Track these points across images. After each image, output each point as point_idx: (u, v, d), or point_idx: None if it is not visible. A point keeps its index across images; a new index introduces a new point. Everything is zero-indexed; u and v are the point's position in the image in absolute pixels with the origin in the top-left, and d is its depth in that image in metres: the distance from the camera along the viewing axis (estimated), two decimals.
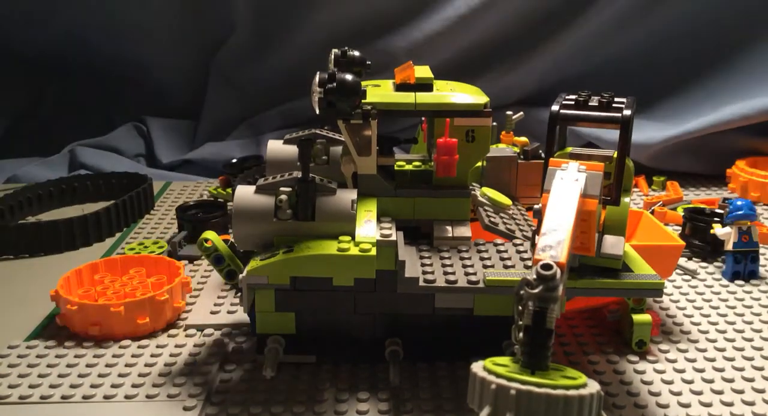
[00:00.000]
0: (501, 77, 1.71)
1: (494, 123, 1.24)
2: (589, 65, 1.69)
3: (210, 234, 0.88)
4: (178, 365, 0.88)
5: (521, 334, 0.61)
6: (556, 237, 0.65)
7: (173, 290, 0.97)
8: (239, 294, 0.83)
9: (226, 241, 0.88)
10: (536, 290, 0.59)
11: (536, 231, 0.73)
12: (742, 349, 0.91)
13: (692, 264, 1.15)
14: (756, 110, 1.46)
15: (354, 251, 0.79)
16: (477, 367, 0.60)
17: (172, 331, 0.96)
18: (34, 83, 1.91)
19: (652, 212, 1.35)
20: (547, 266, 0.60)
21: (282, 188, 0.82)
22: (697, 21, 1.63)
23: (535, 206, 0.73)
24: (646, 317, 0.89)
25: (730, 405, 0.80)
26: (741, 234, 1.11)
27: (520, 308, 0.61)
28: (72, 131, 1.81)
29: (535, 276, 0.60)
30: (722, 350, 0.91)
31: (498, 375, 0.58)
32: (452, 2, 1.65)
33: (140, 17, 1.75)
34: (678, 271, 1.13)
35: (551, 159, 0.75)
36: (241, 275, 0.81)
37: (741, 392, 0.82)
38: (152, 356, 0.89)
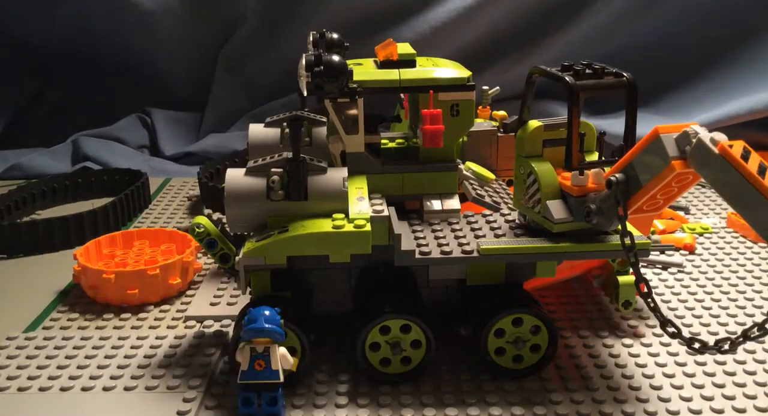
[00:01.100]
0: (509, 69, 1.70)
1: None
2: (595, 58, 1.68)
3: (201, 219, 0.88)
4: (178, 356, 0.87)
5: None
6: None
7: (168, 267, 1.00)
8: (233, 278, 0.83)
9: (216, 224, 0.88)
10: None
11: (618, 199, 0.72)
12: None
13: (678, 257, 1.13)
14: (763, 103, 1.45)
15: (349, 227, 0.79)
16: None
17: (171, 322, 0.96)
18: (38, 74, 1.91)
19: None
20: None
21: (273, 169, 0.82)
22: (700, 15, 1.62)
23: (613, 177, 0.73)
24: (630, 278, 0.90)
25: (722, 386, 0.81)
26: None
27: None
28: (76, 121, 1.80)
29: None
30: (716, 334, 0.92)
31: None
32: None
33: (146, 8, 1.75)
34: (660, 266, 1.11)
35: (658, 126, 0.72)
36: (237, 258, 0.81)
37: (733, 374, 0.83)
38: (151, 347, 0.89)
